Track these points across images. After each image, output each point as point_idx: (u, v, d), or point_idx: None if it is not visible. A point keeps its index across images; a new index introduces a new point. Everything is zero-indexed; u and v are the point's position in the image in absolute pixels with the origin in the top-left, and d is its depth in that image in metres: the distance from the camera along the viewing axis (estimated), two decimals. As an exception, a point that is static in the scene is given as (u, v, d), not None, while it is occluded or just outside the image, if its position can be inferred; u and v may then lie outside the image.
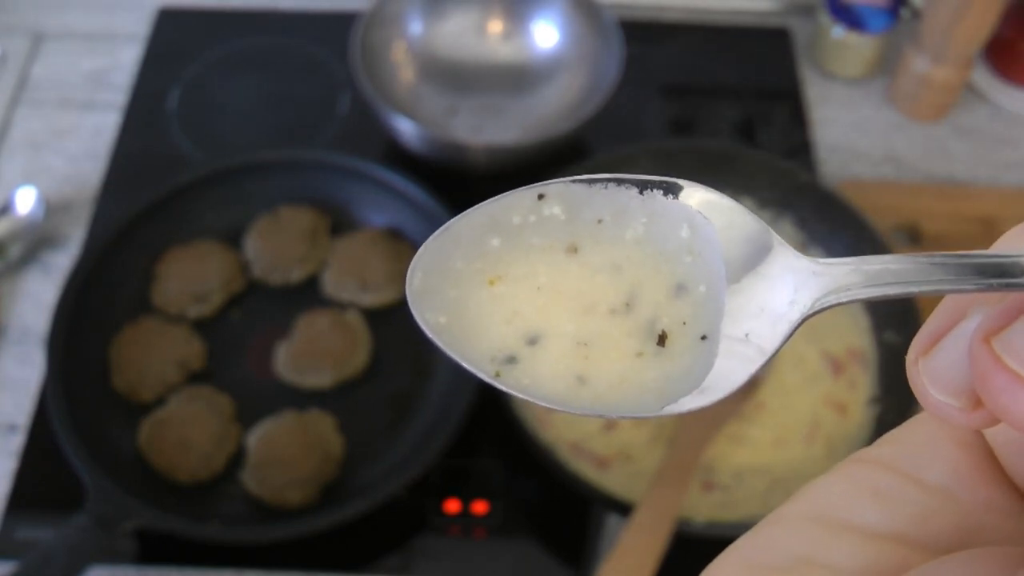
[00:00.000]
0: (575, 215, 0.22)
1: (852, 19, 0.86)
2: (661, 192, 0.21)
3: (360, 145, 0.84)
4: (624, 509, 0.60)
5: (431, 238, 0.22)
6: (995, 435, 0.21)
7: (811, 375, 0.69)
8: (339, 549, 0.65)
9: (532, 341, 0.21)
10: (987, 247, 0.19)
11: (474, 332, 0.21)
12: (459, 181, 0.77)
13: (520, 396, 0.21)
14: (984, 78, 0.90)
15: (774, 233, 0.20)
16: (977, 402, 0.17)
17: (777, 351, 0.20)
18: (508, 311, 0.21)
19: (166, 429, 0.66)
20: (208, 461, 0.65)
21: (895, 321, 0.69)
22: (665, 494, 0.59)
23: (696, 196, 0.21)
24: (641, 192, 0.21)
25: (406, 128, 0.77)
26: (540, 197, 0.22)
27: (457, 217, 0.22)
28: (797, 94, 0.89)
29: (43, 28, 0.94)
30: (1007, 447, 0.21)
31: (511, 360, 0.21)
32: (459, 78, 0.87)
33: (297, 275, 0.73)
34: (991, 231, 0.78)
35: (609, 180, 0.21)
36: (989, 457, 0.21)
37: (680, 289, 0.21)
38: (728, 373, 0.20)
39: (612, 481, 0.63)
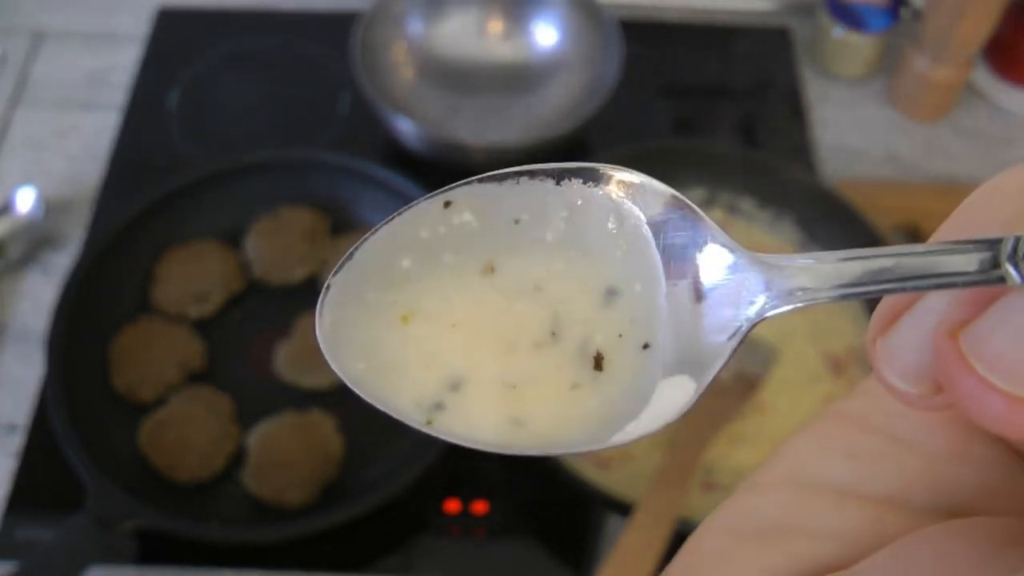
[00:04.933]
0: (489, 219, 0.20)
1: (852, 19, 0.86)
2: (580, 181, 0.19)
3: (360, 145, 0.84)
4: (624, 509, 0.60)
5: (336, 271, 0.20)
6: None
7: (811, 375, 0.69)
8: (339, 549, 0.65)
9: (454, 387, 0.19)
10: None
11: (395, 377, 0.19)
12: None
13: (456, 442, 0.19)
14: (984, 78, 0.90)
15: (710, 221, 0.18)
16: (937, 388, 0.16)
17: (729, 359, 0.18)
18: (425, 353, 0.19)
19: (166, 429, 0.66)
20: (208, 461, 0.65)
21: (895, 321, 0.69)
22: (665, 494, 0.59)
23: (618, 181, 0.19)
24: (558, 183, 0.19)
25: (406, 128, 0.77)
26: (446, 205, 0.20)
27: (360, 241, 0.20)
28: (797, 94, 0.89)
29: (43, 28, 0.94)
30: None
31: (438, 407, 0.19)
32: (459, 78, 0.87)
33: (297, 275, 0.73)
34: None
35: (521, 173, 0.20)
36: None
37: (611, 295, 0.19)
38: (676, 387, 0.18)
39: (612, 481, 0.63)
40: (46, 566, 0.57)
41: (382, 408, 0.19)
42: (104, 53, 0.92)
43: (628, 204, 0.19)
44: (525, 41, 0.87)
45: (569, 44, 0.86)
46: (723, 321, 0.17)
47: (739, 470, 0.65)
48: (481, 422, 0.19)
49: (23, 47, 0.92)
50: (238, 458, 0.66)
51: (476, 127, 0.85)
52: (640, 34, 0.87)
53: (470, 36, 0.88)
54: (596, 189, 0.19)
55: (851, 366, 0.70)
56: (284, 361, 0.69)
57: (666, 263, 0.18)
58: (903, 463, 0.20)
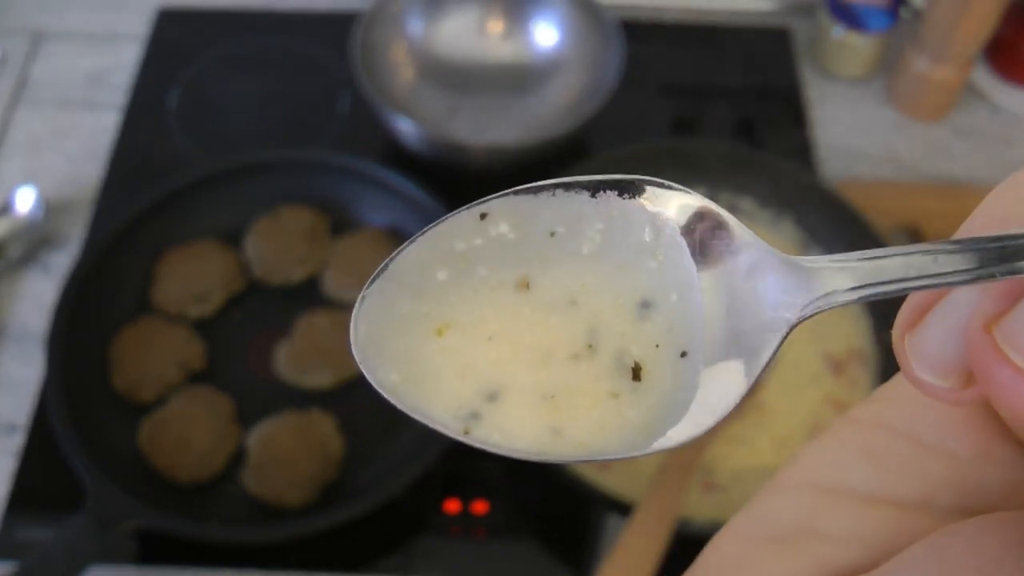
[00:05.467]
0: (525, 231, 0.20)
1: (852, 19, 0.86)
2: (616, 193, 0.19)
3: (360, 145, 0.84)
4: (624, 509, 0.60)
5: (370, 282, 0.20)
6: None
7: (812, 375, 0.69)
8: (339, 549, 0.65)
9: (491, 397, 0.19)
10: None
11: (430, 387, 0.19)
12: (459, 181, 0.77)
13: (495, 452, 0.19)
14: (984, 78, 0.90)
15: (747, 228, 0.19)
16: (967, 380, 0.16)
17: (770, 360, 0.18)
18: (460, 365, 0.19)
19: (166, 429, 0.66)
20: (208, 461, 0.65)
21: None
22: (665, 494, 0.59)
23: (653, 192, 0.19)
24: (593, 195, 0.19)
25: (406, 128, 0.77)
26: (482, 217, 0.20)
27: (395, 253, 0.20)
28: (797, 94, 0.89)
29: (43, 28, 0.94)
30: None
31: (475, 416, 0.19)
32: (459, 78, 0.87)
33: (297, 275, 0.73)
34: (991, 231, 0.78)
35: (557, 185, 0.20)
36: (984, 405, 0.20)
37: (645, 307, 0.19)
38: (718, 390, 0.18)
39: (612, 481, 0.63)
40: (46, 566, 0.57)
41: (420, 419, 0.19)
42: (104, 53, 0.92)
43: (663, 214, 0.19)
44: (525, 41, 0.87)
45: (569, 44, 0.86)
46: (763, 321, 0.18)
47: (739, 470, 0.65)
48: (519, 431, 0.19)
49: (23, 47, 0.92)
50: (238, 458, 0.66)
51: (476, 127, 0.85)
52: (640, 34, 0.87)
53: (470, 36, 0.88)
54: (631, 201, 0.19)
55: (851, 366, 0.70)
56: (284, 361, 0.69)
57: (702, 271, 0.19)
58: (925, 465, 0.20)
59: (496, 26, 0.88)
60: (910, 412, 0.20)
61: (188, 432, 0.65)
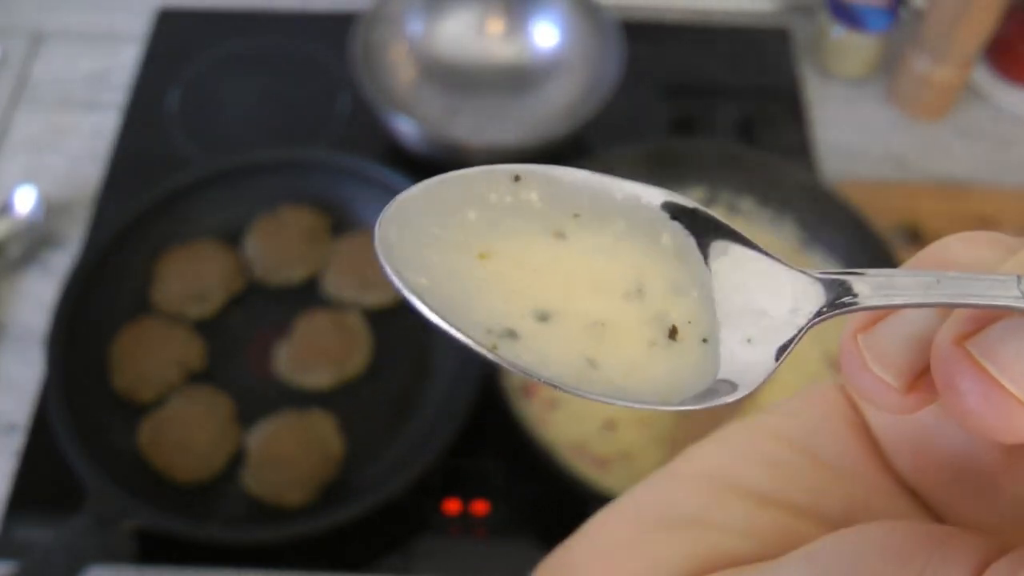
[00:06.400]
0: (551, 205, 0.20)
1: (852, 19, 0.86)
2: (638, 198, 0.20)
3: (360, 145, 0.84)
4: (624, 509, 0.60)
5: (401, 195, 0.20)
6: (878, 423, 0.22)
7: (811, 375, 0.69)
8: (339, 549, 0.65)
9: (542, 317, 0.19)
10: None
11: (463, 302, 0.19)
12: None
13: (522, 374, 0.19)
14: (984, 78, 0.90)
15: (758, 245, 0.20)
16: (911, 386, 0.18)
17: (783, 359, 0.19)
18: (505, 289, 0.19)
19: (166, 429, 0.66)
20: (208, 461, 0.65)
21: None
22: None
23: (670, 203, 0.20)
24: (618, 194, 0.20)
25: (406, 128, 0.77)
26: (516, 179, 0.20)
27: (426, 182, 0.20)
28: (797, 94, 0.89)
29: (43, 28, 0.94)
30: (887, 433, 0.21)
31: (511, 335, 0.19)
32: (459, 78, 0.87)
33: (297, 275, 0.73)
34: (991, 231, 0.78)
35: (588, 176, 0.20)
36: (868, 434, 0.22)
37: (678, 288, 0.20)
38: (735, 378, 0.19)
39: (612, 481, 0.63)
40: (46, 566, 0.57)
41: (443, 326, 0.18)
42: (104, 53, 0.92)
43: (679, 226, 0.20)
44: (525, 41, 0.87)
45: (569, 44, 0.86)
46: (776, 324, 0.19)
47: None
48: (557, 356, 0.19)
49: (23, 47, 0.92)
50: (238, 458, 0.66)
51: (476, 127, 0.85)
52: (640, 34, 0.87)
53: (470, 36, 0.88)
54: (650, 205, 0.20)
55: (851, 366, 0.70)
56: (284, 361, 0.69)
57: (716, 274, 0.20)
58: (817, 477, 0.21)
59: (496, 26, 0.88)
60: (808, 429, 0.22)
61: (188, 432, 0.65)
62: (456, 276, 0.19)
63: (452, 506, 0.66)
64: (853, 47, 0.88)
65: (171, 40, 0.93)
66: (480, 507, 0.66)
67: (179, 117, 0.87)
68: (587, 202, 0.20)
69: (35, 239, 0.78)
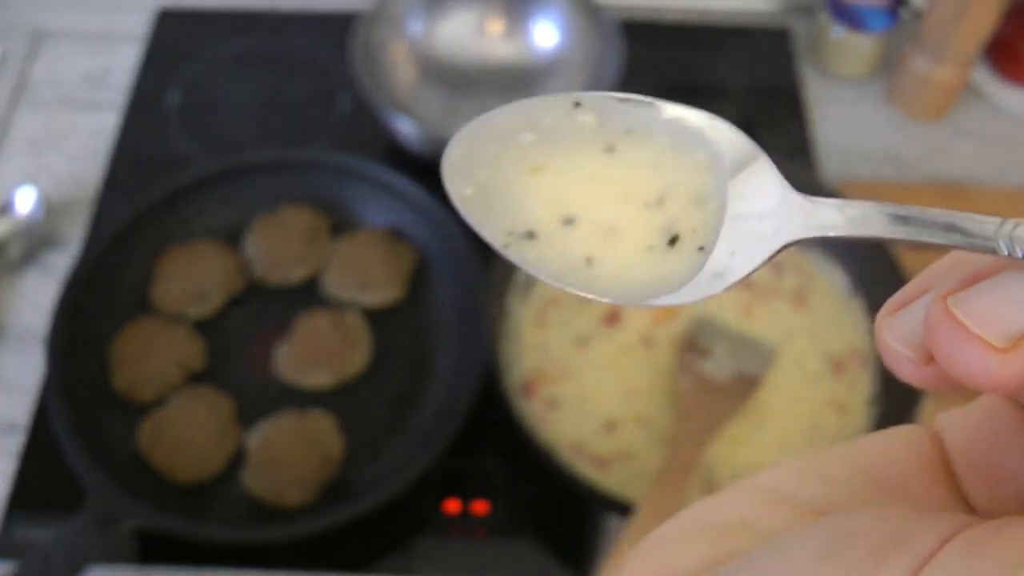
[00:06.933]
0: (605, 124, 0.22)
1: (852, 19, 0.86)
2: (680, 119, 0.22)
3: (360, 145, 0.84)
4: (624, 509, 0.60)
5: (466, 126, 0.23)
6: (952, 441, 0.22)
7: (812, 375, 0.69)
8: (339, 549, 0.65)
9: (567, 221, 0.22)
10: None
11: (500, 208, 0.22)
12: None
13: (522, 267, 0.21)
14: (984, 78, 0.90)
15: (772, 164, 0.21)
16: (928, 358, 0.19)
17: (750, 274, 0.20)
18: (549, 196, 0.22)
19: (166, 429, 0.66)
20: (208, 461, 0.65)
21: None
22: (665, 494, 0.59)
23: (709, 123, 0.22)
24: (664, 114, 0.22)
25: (406, 128, 0.77)
26: (576, 105, 0.22)
27: (489, 112, 0.22)
28: (797, 94, 0.89)
29: (43, 28, 0.94)
30: (959, 457, 0.22)
31: (529, 236, 0.22)
32: (459, 78, 0.87)
33: (297, 275, 0.73)
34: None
35: (640, 101, 0.22)
36: (944, 467, 0.22)
37: (699, 200, 0.22)
38: (703, 283, 0.21)
39: (612, 481, 0.63)
40: (46, 566, 0.57)
41: (471, 223, 0.22)
42: (104, 53, 0.92)
43: (714, 141, 0.22)
44: (525, 41, 0.87)
45: (569, 44, 0.86)
46: (759, 239, 0.20)
47: (739, 470, 0.65)
48: (562, 255, 0.21)
49: (23, 47, 0.92)
50: (238, 458, 0.66)
51: (476, 127, 0.84)
52: (640, 34, 0.87)
53: (470, 36, 0.88)
54: (691, 123, 0.22)
55: (851, 366, 0.70)
56: (284, 361, 0.69)
57: (732, 191, 0.21)
58: (874, 494, 0.22)
59: (496, 26, 0.88)
60: (874, 454, 0.23)
61: (188, 432, 0.65)
62: (506, 187, 0.22)
63: (452, 506, 0.66)
64: (853, 47, 0.88)
65: (171, 40, 0.93)
66: (480, 507, 0.66)
67: (179, 117, 0.87)
68: (638, 121, 0.22)
69: (35, 239, 0.78)
